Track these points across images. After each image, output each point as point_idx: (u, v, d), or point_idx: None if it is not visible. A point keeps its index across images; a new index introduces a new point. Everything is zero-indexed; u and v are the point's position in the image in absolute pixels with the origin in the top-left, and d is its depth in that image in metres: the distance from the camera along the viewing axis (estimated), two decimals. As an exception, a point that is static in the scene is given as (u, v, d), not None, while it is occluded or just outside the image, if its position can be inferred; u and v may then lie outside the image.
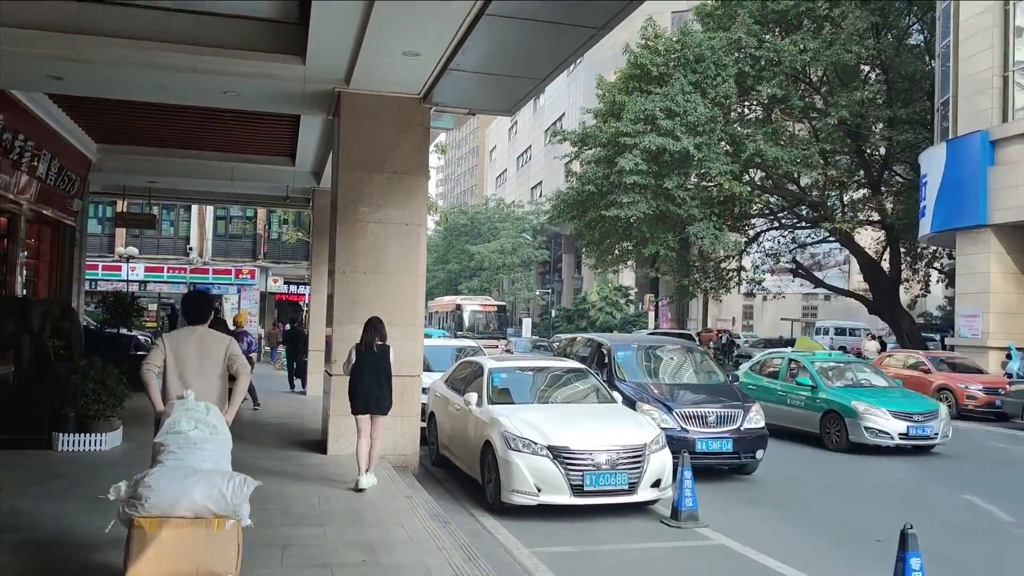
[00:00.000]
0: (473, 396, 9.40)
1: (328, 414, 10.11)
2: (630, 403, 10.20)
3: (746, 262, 37.94)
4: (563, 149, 68.49)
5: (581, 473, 8.02)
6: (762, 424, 10.83)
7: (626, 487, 8.13)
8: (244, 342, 17.27)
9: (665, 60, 31.27)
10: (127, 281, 30.35)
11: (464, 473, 9.86)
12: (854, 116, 29.16)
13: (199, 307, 5.80)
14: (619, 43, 32.85)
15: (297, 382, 18.98)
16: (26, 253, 15.65)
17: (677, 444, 9.44)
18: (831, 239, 35.53)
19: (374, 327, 8.62)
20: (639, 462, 8.23)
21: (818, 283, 37.70)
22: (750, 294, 38.81)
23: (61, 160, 14.55)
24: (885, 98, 30.58)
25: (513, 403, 9.42)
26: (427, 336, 25.51)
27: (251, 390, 17.02)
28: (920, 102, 31.06)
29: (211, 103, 11.46)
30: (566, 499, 7.99)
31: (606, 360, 11.89)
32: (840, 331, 51.61)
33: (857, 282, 44.71)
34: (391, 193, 10.31)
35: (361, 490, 8.31)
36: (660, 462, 8.41)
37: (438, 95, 10.23)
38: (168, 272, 35.15)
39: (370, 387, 8.47)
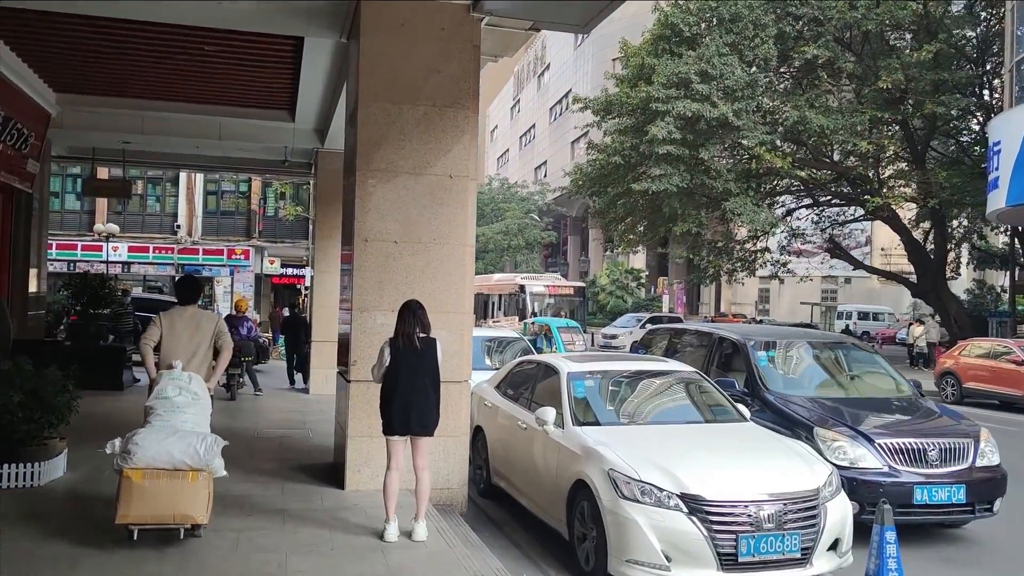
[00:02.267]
0: (549, 412, 6.71)
1: (346, 433, 7.43)
2: (787, 425, 7.50)
3: (771, 242, 35.36)
4: (569, 126, 66.16)
5: (733, 536, 5.36)
6: (998, 460, 7.60)
7: (798, 555, 5.47)
8: (244, 327, 14.77)
9: (698, 19, 28.55)
10: (107, 262, 27.54)
11: (530, 512, 7.25)
12: (907, 80, 26.44)
13: (190, 289, 6.71)
14: (628, 16, 30.16)
15: (298, 377, 16.33)
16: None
17: (883, 492, 6.73)
18: (866, 217, 33.02)
19: (413, 314, 6.01)
20: (813, 516, 5.58)
21: (857, 264, 35.07)
22: (774, 277, 36.18)
23: (8, 110, 11.81)
24: (931, 63, 27.93)
25: (609, 424, 6.74)
26: (542, 327, 22.41)
27: (251, 375, 14.58)
28: (963, 70, 28.43)
29: (192, 17, 8.73)
30: (712, 575, 5.34)
31: (743, 362, 8.73)
32: (863, 315, 49.08)
33: (880, 264, 42.14)
34: (430, 133, 7.60)
35: (389, 542, 5.91)
36: (838, 515, 5.76)
37: (492, 2, 7.56)
38: (154, 252, 32.27)
39: (410, 397, 5.91)
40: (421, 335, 5.97)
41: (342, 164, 15.02)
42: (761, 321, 44.07)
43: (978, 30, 29.06)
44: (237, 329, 14.02)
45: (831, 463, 6.41)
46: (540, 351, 16.46)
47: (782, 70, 30.71)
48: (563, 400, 6.88)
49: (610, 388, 7.30)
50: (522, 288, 32.93)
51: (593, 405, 7.01)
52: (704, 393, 7.39)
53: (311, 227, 28.06)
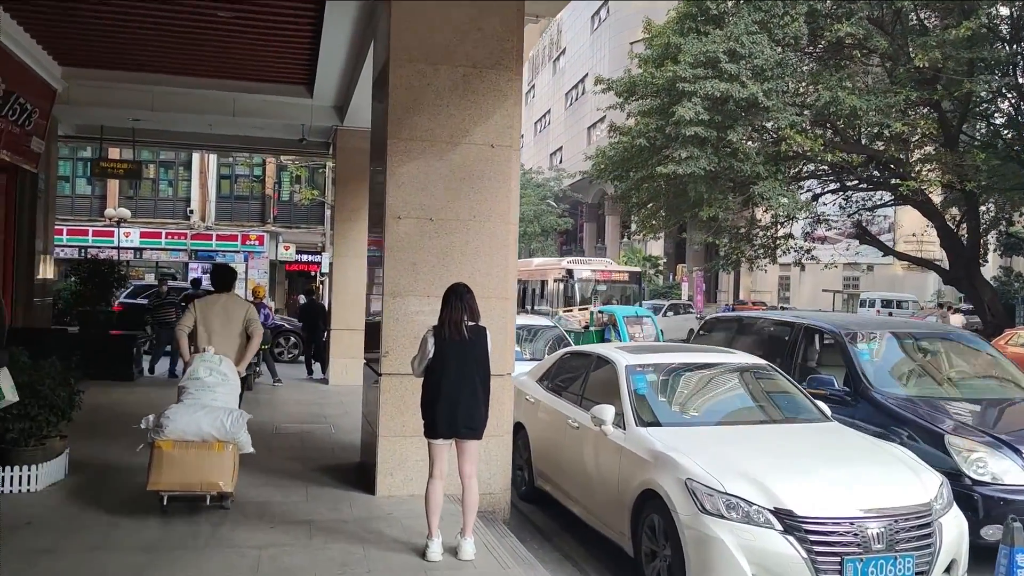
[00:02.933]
0: (607, 411, 5.92)
1: (376, 432, 6.68)
2: (895, 425, 6.60)
3: (795, 228, 34.37)
4: (586, 111, 65.11)
5: (838, 559, 4.58)
6: None
7: (912, 580, 4.69)
8: (261, 314, 14.07)
9: (726, -3, 27.57)
10: (119, 248, 26.88)
11: (580, 520, 6.50)
12: (944, 59, 25.40)
13: (224, 277, 7.01)
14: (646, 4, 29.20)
15: (316, 367, 15.62)
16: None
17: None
18: (896, 202, 31.99)
19: (460, 299, 5.25)
20: (927, 535, 4.80)
21: (887, 250, 33.98)
22: (797, 264, 35.19)
23: (9, 84, 11.08)
24: (966, 42, 26.85)
25: (675, 424, 5.95)
26: (637, 318, 19.11)
27: (269, 365, 13.94)
28: (996, 50, 27.33)
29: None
30: (813, 604, 4.56)
31: (836, 356, 7.78)
32: (887, 303, 48.03)
33: (910, 251, 41.06)
34: (468, 98, 6.81)
35: (432, 561, 5.17)
36: (954, 532, 4.97)
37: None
38: (166, 238, 31.52)
39: (457, 394, 5.16)
40: (469, 323, 5.20)
41: (362, 143, 14.36)
42: (782, 309, 43.11)
43: (1012, 8, 27.97)
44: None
45: (970, 478, 5.58)
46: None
47: (809, 50, 29.73)
48: (623, 397, 6.09)
49: (673, 383, 6.50)
50: (570, 273, 28.98)
51: (655, 403, 6.22)
52: (779, 388, 6.58)
53: (330, 211, 27.41)
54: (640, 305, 27.81)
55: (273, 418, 10.43)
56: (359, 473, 7.36)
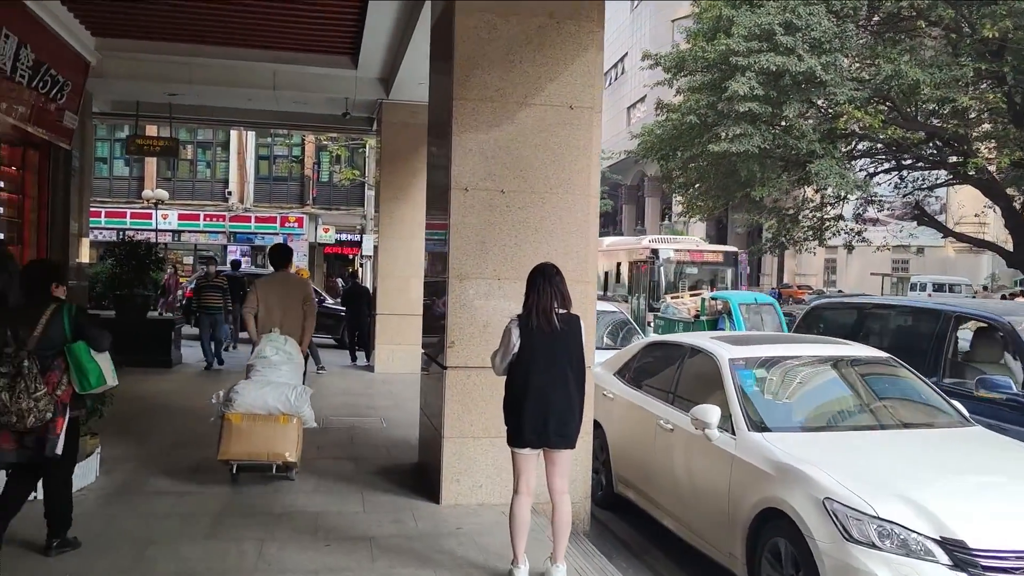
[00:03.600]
0: (712, 413, 5.07)
1: (440, 433, 5.91)
2: None
3: (845, 209, 33.03)
4: (625, 91, 63.79)
5: (1022, 602, 3.73)
6: None
7: (1111, 629, 3.82)
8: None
9: (781, -34, 26.32)
10: (157, 231, 26.44)
11: (670, 531, 5.70)
12: (1015, 28, 24.01)
13: (281, 255, 7.67)
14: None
15: (360, 353, 14.96)
16: (1, 183, 11.72)
17: None
18: (956, 181, 30.60)
19: (549, 282, 4.43)
20: None
21: (947, 232, 32.58)
22: (847, 246, 33.89)
23: (39, 54, 10.42)
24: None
25: (793, 429, 5.09)
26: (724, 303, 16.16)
27: (313, 352, 13.26)
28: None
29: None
30: (994, 659, 3.71)
31: (999, 352, 6.75)
32: (939, 287, 46.39)
33: (972, 232, 39.47)
34: (544, 52, 5.97)
35: None
36: None
37: None
38: (205, 220, 31.05)
39: (548, 395, 4.35)
40: (560, 311, 4.39)
41: (409, 117, 13.62)
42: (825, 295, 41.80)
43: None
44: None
45: None
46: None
47: (864, 23, 28.40)
48: (729, 396, 5.25)
49: (787, 380, 5.64)
50: (655, 253, 24.27)
51: (766, 403, 5.36)
52: (909, 386, 5.69)
53: (374, 191, 26.66)
54: (756, 290, 24.64)
55: (319, 410, 9.61)
56: (418, 476, 6.62)
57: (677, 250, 24.94)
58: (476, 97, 5.88)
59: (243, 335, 12.04)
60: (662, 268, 24.04)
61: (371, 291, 15.30)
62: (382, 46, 11.43)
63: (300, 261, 30.90)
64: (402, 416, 9.28)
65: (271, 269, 7.84)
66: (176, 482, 6.29)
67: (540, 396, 4.29)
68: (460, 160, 5.86)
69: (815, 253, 39.22)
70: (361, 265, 31.65)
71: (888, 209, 35.61)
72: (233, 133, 30.24)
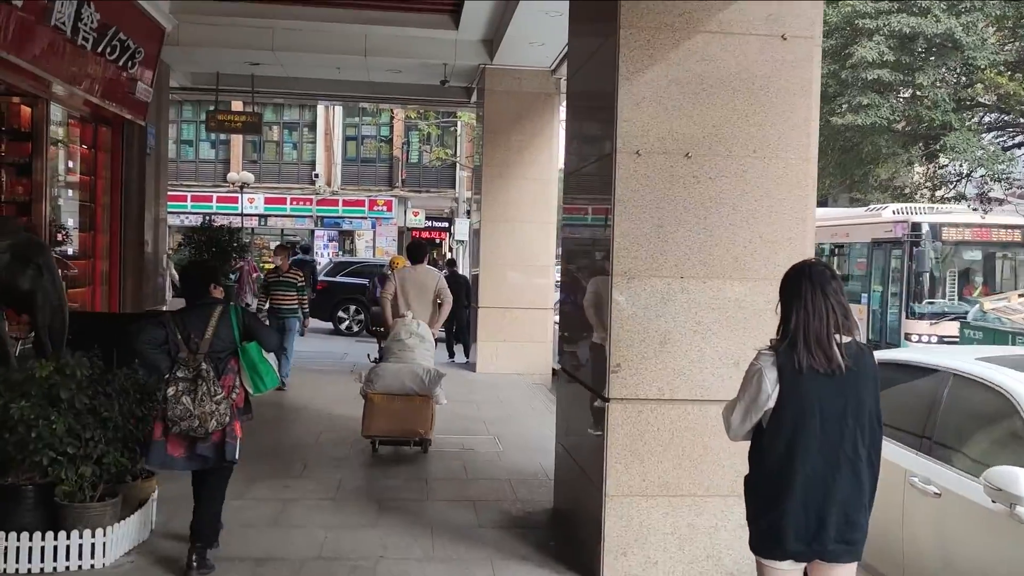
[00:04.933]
0: (1021, 480, 3.34)
1: (603, 490, 4.30)
2: None
3: (968, 188, 30.10)
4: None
5: None
6: None
7: None
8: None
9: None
10: (243, 215, 25.55)
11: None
12: None
13: (417, 251, 8.09)
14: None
15: (458, 349, 13.53)
16: (71, 164, 10.61)
17: None
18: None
19: (821, 290, 2.77)
20: None
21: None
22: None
23: (105, 15, 9.18)
24: None
25: None
26: None
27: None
28: None
29: None
30: None
31: None
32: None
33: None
34: (748, -39, 4.30)
35: None
36: None
37: None
38: (291, 204, 30.11)
39: (828, 479, 2.71)
40: (844, 339, 2.72)
41: (516, 84, 11.90)
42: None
43: None
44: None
45: None
46: None
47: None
48: (1050, 455, 3.50)
49: None
50: (916, 231, 15.35)
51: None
52: None
53: (466, 172, 25.19)
54: None
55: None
56: (558, 532, 5.06)
57: (955, 225, 16.08)
58: (652, 25, 4.23)
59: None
60: (926, 252, 15.54)
61: (469, 280, 13.85)
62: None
63: (388, 246, 29.75)
64: (518, 434, 7.87)
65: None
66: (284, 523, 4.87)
67: (814, 481, 2.64)
68: (630, 113, 4.22)
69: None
70: (450, 249, 30.33)
71: (1017, 186, 32.45)
72: (320, 112, 29.16)
